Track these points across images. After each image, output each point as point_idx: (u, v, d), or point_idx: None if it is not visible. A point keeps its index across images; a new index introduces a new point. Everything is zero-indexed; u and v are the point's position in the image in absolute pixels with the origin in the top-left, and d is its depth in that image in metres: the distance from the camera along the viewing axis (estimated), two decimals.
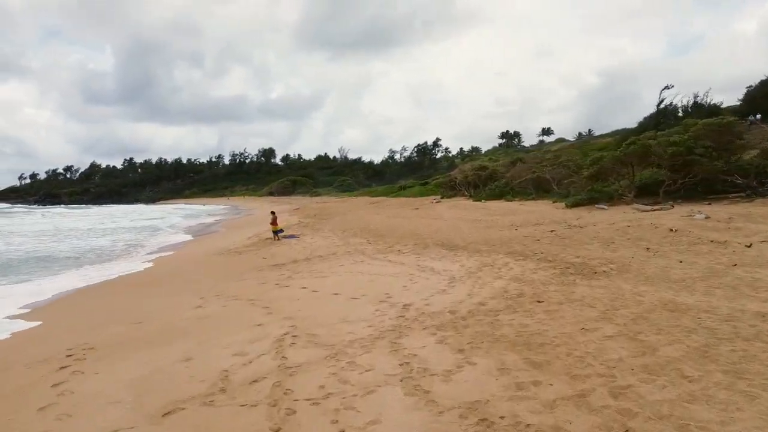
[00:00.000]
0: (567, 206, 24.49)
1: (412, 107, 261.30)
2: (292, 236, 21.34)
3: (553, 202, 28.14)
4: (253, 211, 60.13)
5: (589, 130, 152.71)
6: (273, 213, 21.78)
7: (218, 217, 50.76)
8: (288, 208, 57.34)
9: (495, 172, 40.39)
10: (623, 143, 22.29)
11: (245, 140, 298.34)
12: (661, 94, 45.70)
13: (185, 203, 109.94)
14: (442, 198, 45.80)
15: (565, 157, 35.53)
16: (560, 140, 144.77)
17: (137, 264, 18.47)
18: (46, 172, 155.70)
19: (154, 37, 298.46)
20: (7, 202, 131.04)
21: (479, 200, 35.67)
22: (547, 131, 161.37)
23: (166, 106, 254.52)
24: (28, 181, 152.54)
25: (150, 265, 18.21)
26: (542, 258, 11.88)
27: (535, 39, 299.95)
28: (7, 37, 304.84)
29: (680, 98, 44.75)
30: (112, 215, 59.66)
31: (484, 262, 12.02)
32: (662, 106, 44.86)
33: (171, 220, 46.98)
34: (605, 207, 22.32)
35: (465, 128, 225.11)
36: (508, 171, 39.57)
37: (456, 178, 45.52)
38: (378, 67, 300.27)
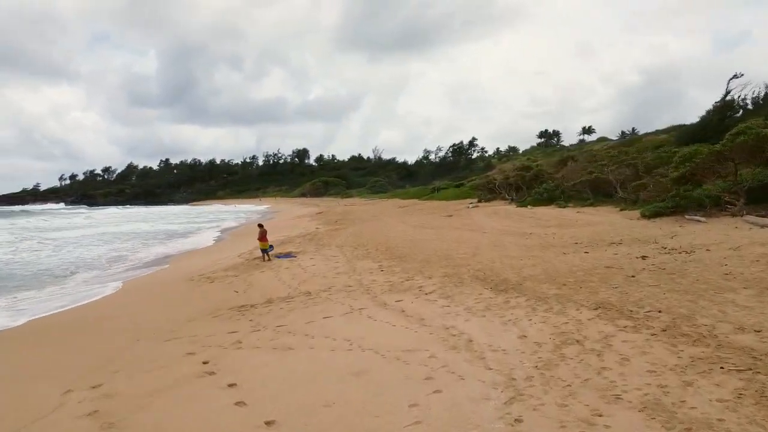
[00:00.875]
0: (644, 216, 18.77)
1: (449, 107, 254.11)
2: (287, 255, 16.50)
3: (620, 210, 22.39)
4: (275, 216, 55.88)
5: (633, 128, 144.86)
6: (261, 226, 16.98)
7: (240, 222, 46.59)
8: (311, 212, 52.88)
9: (541, 172, 34.51)
10: (729, 134, 16.47)
11: (282, 141, 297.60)
12: (728, 84, 38.86)
13: (220, 204, 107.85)
14: (479, 202, 40.27)
15: (630, 154, 29.44)
16: (602, 139, 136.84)
17: (100, 288, 14.30)
18: (83, 173, 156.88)
19: (196, 41, 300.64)
20: (49, 203, 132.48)
21: (524, 206, 30.03)
22: (587, 130, 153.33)
23: (207, 108, 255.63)
24: (67, 182, 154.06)
25: (116, 288, 14.04)
26: (670, 326, 6.52)
27: (576, 37, 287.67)
28: (60, 44, 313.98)
29: (750, 89, 37.63)
30: (160, 216, 56.59)
31: (562, 330, 6.78)
32: (729, 97, 38.15)
33: (223, 224, 42.95)
34: (701, 219, 16.55)
35: (501, 128, 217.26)
36: (557, 171, 33.72)
37: (495, 179, 39.86)
38: (416, 67, 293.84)
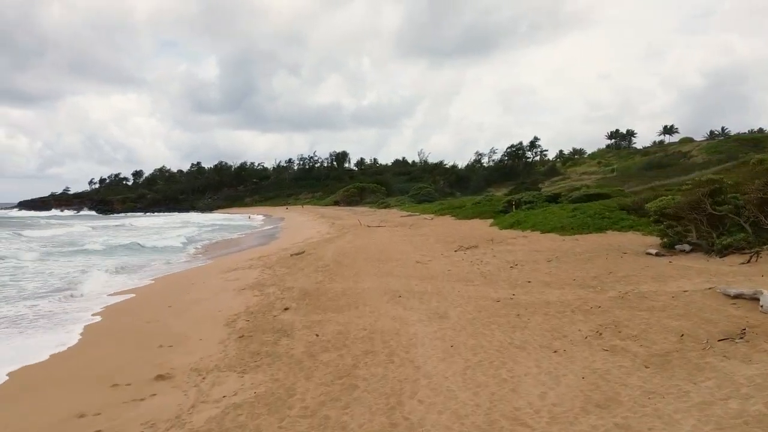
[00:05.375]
0: None
1: (504, 112, 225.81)
2: None
3: None
4: (259, 240, 29.34)
5: (723, 128, 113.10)
6: None
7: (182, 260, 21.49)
8: (303, 240, 27.30)
9: None
10: None
11: (336, 147, 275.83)
12: None
13: (236, 212, 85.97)
14: (686, 250, 13.72)
15: None
16: (686, 140, 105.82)
17: None
18: (108, 177, 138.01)
19: (259, 48, 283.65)
20: (71, 209, 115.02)
21: None
22: (669, 129, 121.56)
23: (264, 114, 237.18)
24: (96, 186, 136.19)
25: None
26: None
27: (641, 40, 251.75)
28: (130, 51, 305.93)
29: None
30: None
31: None
32: None
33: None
34: None
35: (558, 133, 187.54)
36: None
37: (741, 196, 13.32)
38: (475, 72, 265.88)
